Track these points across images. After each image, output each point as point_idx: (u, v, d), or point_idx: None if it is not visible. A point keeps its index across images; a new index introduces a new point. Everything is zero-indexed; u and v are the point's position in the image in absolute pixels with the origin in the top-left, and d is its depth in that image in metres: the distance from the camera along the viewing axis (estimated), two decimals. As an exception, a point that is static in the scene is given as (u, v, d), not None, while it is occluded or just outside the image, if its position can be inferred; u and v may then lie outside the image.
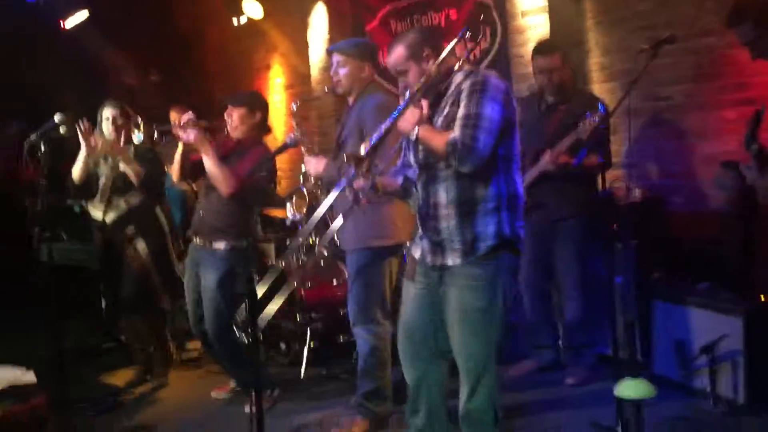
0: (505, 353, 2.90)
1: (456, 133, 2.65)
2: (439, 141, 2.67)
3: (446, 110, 2.77)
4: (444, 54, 2.75)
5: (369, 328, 3.60)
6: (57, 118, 3.87)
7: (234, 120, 4.07)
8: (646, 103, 4.54)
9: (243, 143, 4.11)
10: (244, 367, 4.05)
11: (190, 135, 3.89)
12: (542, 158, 4.03)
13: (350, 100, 3.69)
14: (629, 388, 2.99)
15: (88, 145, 4.29)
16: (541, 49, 4.24)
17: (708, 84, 4.32)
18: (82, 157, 4.37)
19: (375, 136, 2.63)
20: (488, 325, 2.77)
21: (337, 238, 3.75)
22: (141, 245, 4.49)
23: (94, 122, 4.48)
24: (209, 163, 3.92)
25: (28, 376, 3.50)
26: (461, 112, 2.68)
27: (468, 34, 2.84)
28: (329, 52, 3.76)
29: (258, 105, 4.16)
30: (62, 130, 4.01)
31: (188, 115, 3.97)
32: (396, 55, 2.83)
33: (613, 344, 3.27)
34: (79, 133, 4.27)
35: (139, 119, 4.04)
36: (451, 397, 2.98)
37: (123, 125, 4.41)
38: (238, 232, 3.99)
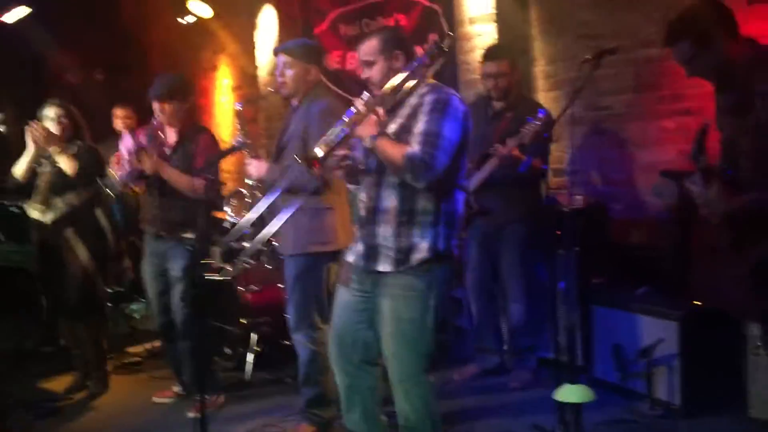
0: (451, 357, 2.95)
1: (414, 148, 2.66)
2: (396, 154, 2.67)
3: (402, 120, 2.78)
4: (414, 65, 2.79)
5: (308, 334, 3.59)
6: (-2, 116, 3.79)
7: (169, 113, 4.01)
8: (589, 112, 4.64)
9: (184, 132, 4.08)
10: (201, 363, 3.98)
11: (147, 166, 3.90)
12: (494, 149, 4.04)
13: (294, 102, 3.67)
14: (569, 393, 3.05)
15: (36, 143, 4.21)
16: (490, 54, 4.30)
17: (647, 94, 4.43)
18: (28, 156, 4.29)
19: (331, 139, 2.62)
20: (420, 335, 2.80)
21: (276, 243, 3.70)
22: (81, 249, 4.39)
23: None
24: (173, 179, 3.94)
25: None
26: (421, 127, 2.70)
27: (437, 49, 2.87)
28: (276, 53, 3.74)
29: (189, 89, 4.16)
30: (1, 128, 3.92)
31: (129, 142, 3.92)
32: (368, 45, 2.86)
33: (555, 348, 3.33)
34: (28, 134, 4.21)
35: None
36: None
37: (66, 124, 4.35)
38: (199, 227, 3.95)
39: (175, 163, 4.02)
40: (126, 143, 3.94)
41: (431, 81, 2.88)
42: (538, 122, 3.85)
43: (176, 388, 4.31)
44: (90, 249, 4.40)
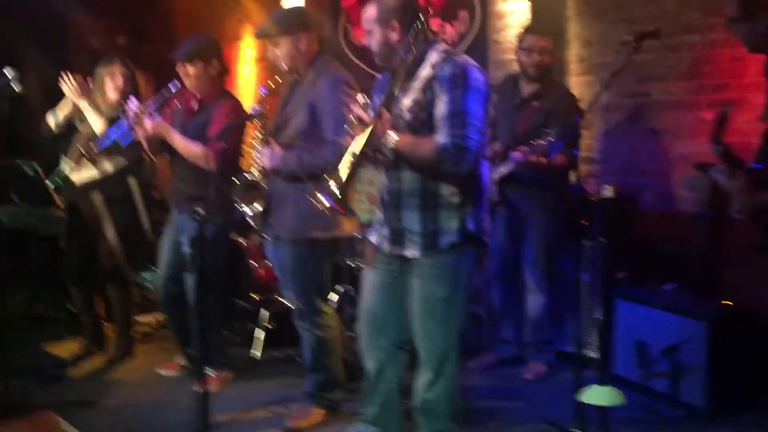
0: (466, 344, 2.86)
1: (443, 137, 2.53)
2: (424, 150, 2.55)
3: (415, 95, 2.63)
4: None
5: (313, 320, 3.45)
6: (9, 73, 3.67)
7: (191, 77, 3.83)
8: (623, 99, 4.46)
9: (206, 99, 3.91)
10: (205, 339, 3.80)
11: (147, 127, 3.72)
12: (511, 156, 3.91)
13: (296, 76, 3.41)
14: (598, 395, 2.91)
15: (77, 93, 4.14)
16: (537, 27, 4.15)
17: (686, 83, 4.25)
18: (65, 108, 4.20)
19: (345, 165, 2.53)
20: (450, 314, 2.72)
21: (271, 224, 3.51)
22: (107, 219, 4.28)
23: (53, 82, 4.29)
24: (178, 145, 3.76)
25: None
26: (445, 108, 2.55)
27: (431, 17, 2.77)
28: (258, 38, 3.54)
29: (213, 52, 3.89)
30: (16, 87, 3.81)
31: (134, 106, 3.78)
32: (367, 13, 2.74)
33: (576, 342, 3.19)
34: (64, 83, 4.13)
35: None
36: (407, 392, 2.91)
37: (123, 85, 4.25)
38: (217, 200, 3.81)
39: (191, 131, 3.85)
40: (131, 106, 3.80)
41: (443, 47, 2.72)
42: (546, 141, 3.69)
43: (182, 362, 4.22)
44: (118, 220, 4.30)
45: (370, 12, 2.72)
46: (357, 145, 2.55)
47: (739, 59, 3.90)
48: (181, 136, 3.77)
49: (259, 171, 3.35)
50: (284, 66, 3.36)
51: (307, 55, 3.33)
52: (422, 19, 2.67)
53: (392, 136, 2.55)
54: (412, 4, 2.77)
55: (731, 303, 3.58)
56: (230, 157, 3.85)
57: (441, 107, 2.56)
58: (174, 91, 3.89)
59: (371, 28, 2.72)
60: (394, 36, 2.68)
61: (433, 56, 2.66)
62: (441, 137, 2.53)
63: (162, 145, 3.91)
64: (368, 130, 2.53)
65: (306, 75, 3.34)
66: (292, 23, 3.31)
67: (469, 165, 2.57)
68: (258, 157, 3.33)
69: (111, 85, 4.25)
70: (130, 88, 4.27)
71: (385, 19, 2.68)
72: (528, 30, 4.15)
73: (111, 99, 4.25)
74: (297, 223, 3.30)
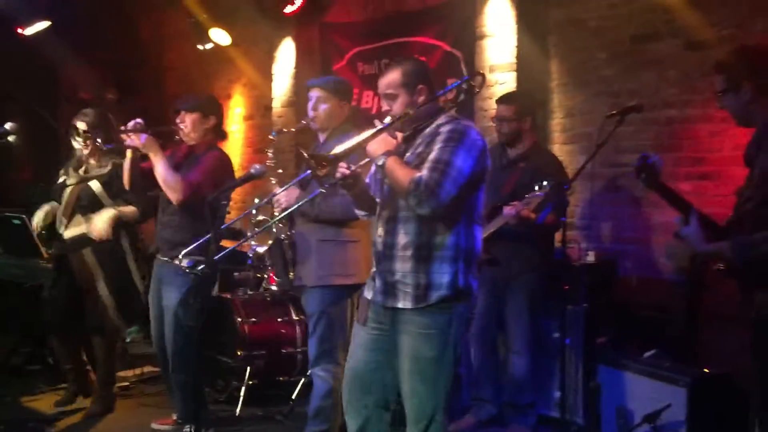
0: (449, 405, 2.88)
1: (422, 173, 2.63)
2: (403, 176, 2.65)
3: (420, 149, 2.76)
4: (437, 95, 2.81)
5: (329, 368, 3.51)
6: (8, 126, 3.73)
7: (187, 125, 3.94)
8: (605, 169, 4.60)
9: (196, 149, 4.00)
10: (189, 395, 3.84)
11: (138, 138, 3.78)
12: (504, 210, 4.00)
13: (322, 137, 3.66)
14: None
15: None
16: (501, 98, 4.35)
17: (666, 155, 4.38)
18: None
19: (343, 147, 2.63)
20: (438, 374, 2.74)
21: (297, 275, 3.62)
22: (99, 273, 4.27)
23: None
24: (158, 167, 3.78)
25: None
26: (433, 155, 2.68)
27: (465, 84, 2.92)
28: (311, 86, 3.73)
29: (212, 109, 4.05)
30: (11, 138, 3.87)
31: (136, 121, 3.87)
32: (390, 77, 2.83)
33: (560, 406, 3.23)
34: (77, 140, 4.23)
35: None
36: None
37: (93, 136, 4.27)
38: (200, 250, 3.84)
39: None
40: (133, 121, 3.88)
41: (451, 113, 2.87)
42: (541, 193, 3.80)
43: (176, 416, 4.14)
44: (110, 275, 4.29)
45: (394, 76, 2.82)
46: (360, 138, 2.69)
47: (717, 134, 4.07)
48: (165, 163, 3.80)
49: (277, 212, 3.51)
50: (317, 121, 3.64)
51: (340, 118, 3.64)
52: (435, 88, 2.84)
53: (387, 148, 2.68)
54: (428, 70, 2.94)
55: (709, 370, 3.65)
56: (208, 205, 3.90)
57: (431, 154, 2.68)
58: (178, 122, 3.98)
59: (396, 91, 2.81)
60: (421, 99, 2.81)
61: (441, 119, 2.80)
62: (419, 172, 2.64)
63: (144, 183, 3.96)
64: (376, 131, 2.67)
65: (331, 135, 3.60)
66: (345, 91, 3.69)
67: (432, 209, 2.63)
68: (277, 199, 3.51)
69: (80, 140, 4.30)
70: (99, 138, 4.23)
71: (412, 83, 2.81)
72: (497, 101, 4.35)
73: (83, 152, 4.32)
74: (318, 270, 3.49)
